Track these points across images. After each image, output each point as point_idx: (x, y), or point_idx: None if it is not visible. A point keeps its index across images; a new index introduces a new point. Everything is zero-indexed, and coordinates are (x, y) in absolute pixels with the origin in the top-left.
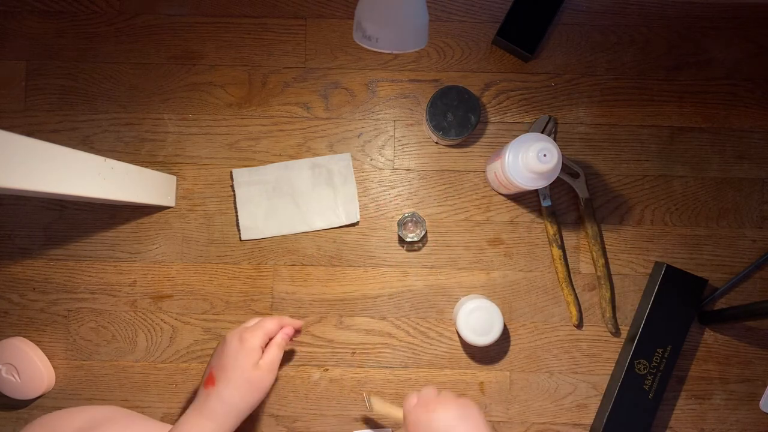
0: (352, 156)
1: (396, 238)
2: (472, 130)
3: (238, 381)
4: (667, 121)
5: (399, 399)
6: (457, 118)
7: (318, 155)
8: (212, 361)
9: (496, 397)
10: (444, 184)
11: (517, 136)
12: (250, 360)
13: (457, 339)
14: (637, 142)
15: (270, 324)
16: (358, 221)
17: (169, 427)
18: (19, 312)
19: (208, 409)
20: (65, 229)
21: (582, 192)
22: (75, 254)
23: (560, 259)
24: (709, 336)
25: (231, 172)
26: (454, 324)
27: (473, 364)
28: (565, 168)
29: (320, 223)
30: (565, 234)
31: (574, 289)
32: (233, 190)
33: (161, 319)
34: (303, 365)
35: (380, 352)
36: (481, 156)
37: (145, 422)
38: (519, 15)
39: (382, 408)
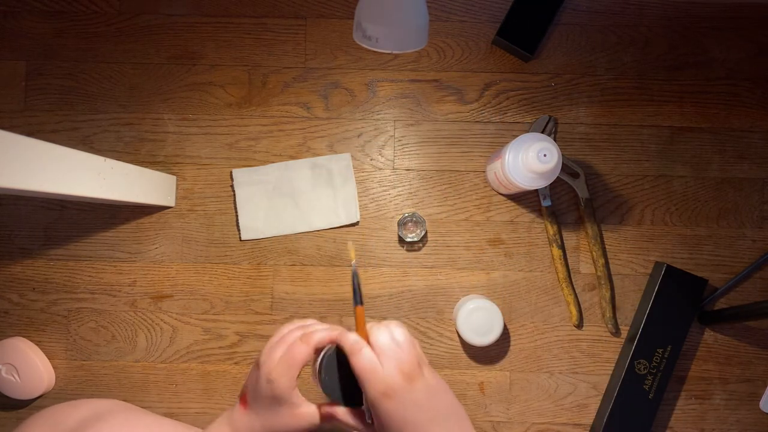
0: (352, 156)
1: (396, 238)
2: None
3: (268, 417)
4: (667, 121)
5: None
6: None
7: (318, 155)
8: (247, 380)
9: (496, 397)
10: (444, 184)
11: (517, 136)
12: (284, 402)
13: (457, 339)
14: (637, 142)
15: (299, 355)
16: (358, 221)
17: (169, 421)
18: (19, 312)
19: (237, 427)
20: (65, 229)
21: (582, 192)
22: (75, 254)
23: (560, 259)
24: (709, 336)
25: (231, 172)
26: (454, 324)
27: (473, 364)
28: (565, 168)
29: (320, 223)
30: (565, 234)
31: (574, 289)
32: (233, 190)
33: (161, 319)
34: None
35: None
36: (481, 156)
37: (146, 416)
38: (519, 15)
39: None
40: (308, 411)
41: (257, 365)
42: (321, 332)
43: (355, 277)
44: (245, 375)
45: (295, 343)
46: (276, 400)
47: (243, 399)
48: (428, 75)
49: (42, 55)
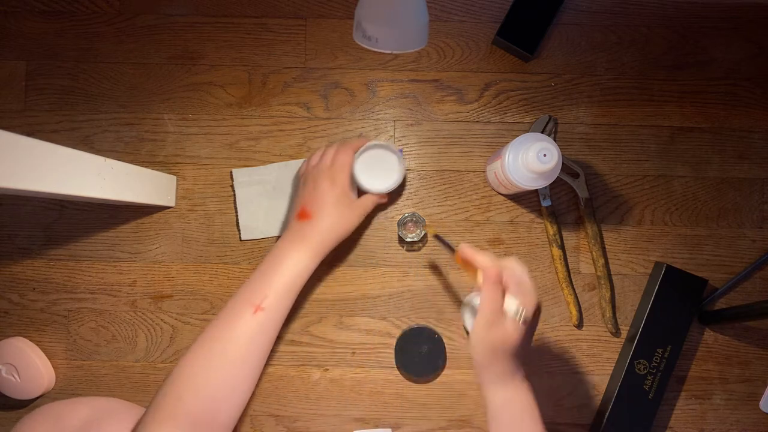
0: None
1: (396, 238)
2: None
3: (335, 216)
4: (667, 121)
5: (399, 400)
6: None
7: None
8: (302, 199)
9: None
10: (444, 184)
11: (517, 136)
12: (346, 199)
13: (457, 339)
14: (637, 142)
15: (347, 158)
16: None
17: None
18: (19, 312)
19: (306, 237)
20: (65, 229)
21: (582, 192)
22: (75, 254)
23: (560, 259)
24: (709, 336)
25: (231, 172)
26: (462, 320)
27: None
28: (565, 168)
29: None
30: (565, 234)
31: (574, 289)
32: (233, 190)
33: (161, 319)
34: (303, 365)
35: (380, 352)
36: (481, 156)
37: None
38: (519, 15)
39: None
40: (362, 200)
41: (304, 182)
42: (354, 142)
43: (439, 238)
44: None
45: (339, 151)
46: (339, 198)
47: (304, 213)
48: (428, 75)
49: (42, 55)
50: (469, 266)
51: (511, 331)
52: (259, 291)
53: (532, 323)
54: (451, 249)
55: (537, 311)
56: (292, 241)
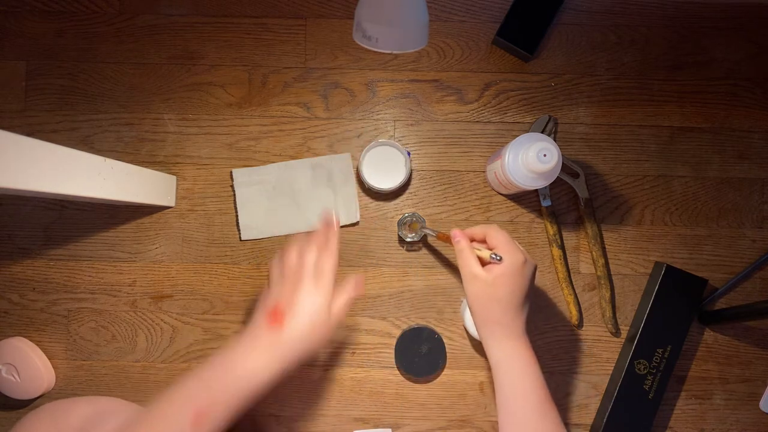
0: (352, 156)
1: (396, 238)
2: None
3: (311, 328)
4: (667, 121)
5: (399, 400)
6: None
7: (318, 155)
8: (276, 298)
9: None
10: (444, 184)
11: (517, 136)
12: (326, 310)
13: (457, 339)
14: (637, 142)
15: (333, 263)
16: (358, 221)
17: None
18: (19, 312)
19: (275, 345)
20: (65, 229)
21: (582, 192)
22: (75, 254)
23: (560, 259)
24: (709, 336)
25: (231, 172)
26: (462, 319)
27: (473, 364)
28: (565, 168)
29: None
30: (565, 234)
31: (574, 289)
32: (233, 190)
33: (161, 319)
34: (303, 365)
35: (380, 352)
36: (481, 156)
37: None
38: (519, 15)
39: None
40: (337, 310)
41: (280, 279)
42: (333, 241)
43: (423, 229)
44: None
45: (325, 255)
46: (320, 308)
47: (276, 315)
48: (428, 75)
49: (42, 55)
50: (449, 239)
51: (493, 278)
52: (205, 397)
53: (522, 273)
54: (434, 232)
55: (528, 265)
56: (256, 348)
